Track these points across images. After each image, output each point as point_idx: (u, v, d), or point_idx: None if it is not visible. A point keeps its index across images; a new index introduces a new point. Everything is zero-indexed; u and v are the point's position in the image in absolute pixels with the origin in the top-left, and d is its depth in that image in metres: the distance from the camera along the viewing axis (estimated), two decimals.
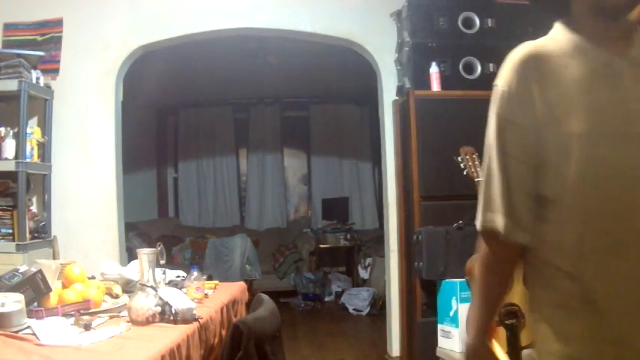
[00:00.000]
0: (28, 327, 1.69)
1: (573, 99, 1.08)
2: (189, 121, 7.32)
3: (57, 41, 3.70)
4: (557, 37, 1.16)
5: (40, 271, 1.89)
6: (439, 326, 3.14)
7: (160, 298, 1.84)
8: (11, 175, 3.32)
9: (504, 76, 1.14)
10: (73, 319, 1.78)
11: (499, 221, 1.13)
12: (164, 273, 2.30)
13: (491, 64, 3.50)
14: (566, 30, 1.15)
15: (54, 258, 3.41)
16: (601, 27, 1.11)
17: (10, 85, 3.29)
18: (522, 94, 1.10)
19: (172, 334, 1.68)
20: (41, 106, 3.59)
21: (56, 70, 3.69)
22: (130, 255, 3.76)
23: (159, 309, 1.81)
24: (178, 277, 2.50)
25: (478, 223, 1.18)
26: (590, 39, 1.12)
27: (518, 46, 1.15)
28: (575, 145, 1.06)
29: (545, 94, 1.09)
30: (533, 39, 1.16)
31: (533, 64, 1.12)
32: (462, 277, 3.02)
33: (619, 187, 1.06)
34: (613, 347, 1.07)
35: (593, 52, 1.11)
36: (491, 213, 1.14)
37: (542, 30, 1.19)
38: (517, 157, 1.12)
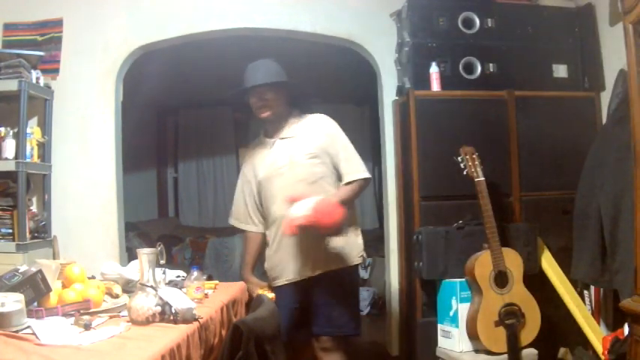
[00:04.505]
0: (28, 327, 1.69)
1: None
2: (189, 121, 7.31)
3: (57, 41, 3.70)
4: None
5: (40, 271, 1.89)
6: (439, 326, 3.15)
7: (160, 298, 1.83)
8: (11, 175, 3.32)
9: None
10: (73, 319, 1.78)
11: None
12: (164, 273, 2.31)
13: (491, 64, 3.50)
14: None
15: (54, 258, 3.41)
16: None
17: (10, 85, 3.29)
18: None
19: (172, 334, 1.68)
20: (41, 106, 3.59)
21: (56, 70, 3.69)
22: (130, 255, 3.75)
23: (159, 309, 1.81)
24: (178, 277, 2.50)
25: None
26: None
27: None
28: None
29: None
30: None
31: None
32: (462, 277, 3.03)
33: None
34: None
35: None
36: None
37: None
38: None
